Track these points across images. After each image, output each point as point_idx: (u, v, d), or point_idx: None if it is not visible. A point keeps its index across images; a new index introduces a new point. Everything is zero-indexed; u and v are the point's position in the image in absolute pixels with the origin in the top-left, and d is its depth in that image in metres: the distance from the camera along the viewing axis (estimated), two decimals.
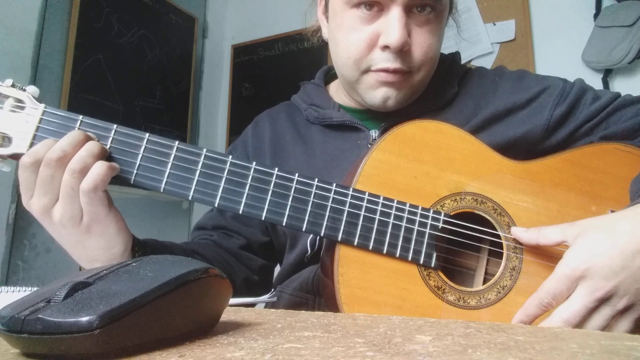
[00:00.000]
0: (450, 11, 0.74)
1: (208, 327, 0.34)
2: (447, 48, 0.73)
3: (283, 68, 2.68)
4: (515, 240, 0.59)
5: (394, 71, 0.66)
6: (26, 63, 1.83)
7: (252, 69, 2.80)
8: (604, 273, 0.48)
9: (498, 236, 0.59)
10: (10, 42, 1.78)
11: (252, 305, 0.57)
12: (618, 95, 0.72)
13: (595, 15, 1.93)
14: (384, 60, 0.65)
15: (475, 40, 2.16)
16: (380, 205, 0.56)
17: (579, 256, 0.50)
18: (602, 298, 0.48)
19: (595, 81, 1.85)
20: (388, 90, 0.68)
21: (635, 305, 0.49)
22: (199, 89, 2.75)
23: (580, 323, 0.50)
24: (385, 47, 0.64)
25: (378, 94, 0.68)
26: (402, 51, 0.65)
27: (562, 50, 2.00)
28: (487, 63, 2.11)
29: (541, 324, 0.52)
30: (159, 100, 2.44)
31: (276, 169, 0.56)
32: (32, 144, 0.54)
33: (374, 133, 0.72)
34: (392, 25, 0.63)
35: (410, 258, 0.56)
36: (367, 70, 0.67)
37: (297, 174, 0.56)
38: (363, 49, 0.66)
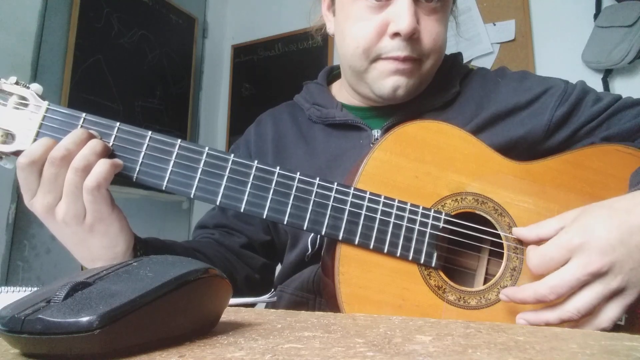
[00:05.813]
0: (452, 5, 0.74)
1: (208, 327, 0.34)
2: (447, 48, 0.73)
3: (283, 68, 2.68)
4: (516, 241, 0.59)
5: (405, 59, 0.66)
6: (26, 63, 1.83)
7: (252, 69, 2.80)
8: (600, 247, 0.48)
9: (499, 236, 0.59)
10: (10, 42, 1.78)
11: (252, 305, 0.57)
12: (619, 97, 0.73)
13: (595, 16, 1.93)
14: (394, 49, 0.66)
15: (475, 40, 2.16)
16: (381, 204, 0.56)
17: (577, 229, 0.50)
18: (596, 273, 0.48)
19: (595, 81, 1.85)
20: (399, 79, 0.68)
21: (627, 289, 0.48)
22: (199, 89, 2.75)
23: (567, 294, 0.49)
24: (395, 35, 0.65)
25: (388, 83, 0.68)
26: (412, 39, 0.65)
27: (562, 51, 1.99)
28: (487, 63, 2.11)
29: (526, 287, 0.51)
30: (159, 100, 2.44)
31: (278, 167, 0.56)
32: (35, 141, 0.54)
33: (376, 133, 0.72)
34: (402, 12, 0.64)
35: (411, 257, 0.56)
36: (376, 59, 0.68)
37: (298, 173, 0.56)
38: (372, 37, 0.66)
